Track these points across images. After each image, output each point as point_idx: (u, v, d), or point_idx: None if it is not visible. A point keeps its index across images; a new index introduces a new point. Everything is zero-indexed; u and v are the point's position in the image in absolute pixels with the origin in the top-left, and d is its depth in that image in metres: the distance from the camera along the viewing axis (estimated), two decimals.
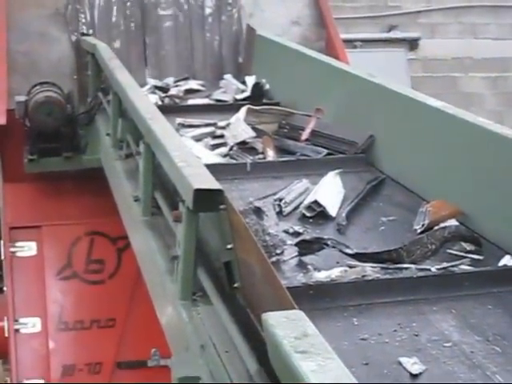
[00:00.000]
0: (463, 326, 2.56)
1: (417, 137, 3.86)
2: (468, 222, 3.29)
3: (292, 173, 4.02)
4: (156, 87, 5.82)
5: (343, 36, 6.76)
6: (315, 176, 3.88)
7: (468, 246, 3.13)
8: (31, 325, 5.58)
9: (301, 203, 3.61)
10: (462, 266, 2.97)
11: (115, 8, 6.07)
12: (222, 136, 4.69)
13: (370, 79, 4.38)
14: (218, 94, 5.82)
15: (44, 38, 5.85)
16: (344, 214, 3.50)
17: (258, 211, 3.35)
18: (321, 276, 2.86)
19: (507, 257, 3.01)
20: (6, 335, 5.60)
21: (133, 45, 6.10)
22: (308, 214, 3.53)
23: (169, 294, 2.95)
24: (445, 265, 2.97)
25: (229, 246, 2.53)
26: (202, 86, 5.98)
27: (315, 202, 3.54)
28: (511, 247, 3.07)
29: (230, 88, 5.86)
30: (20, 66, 5.71)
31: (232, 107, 5.23)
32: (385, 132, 4.18)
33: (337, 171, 3.89)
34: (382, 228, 3.44)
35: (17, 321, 5.56)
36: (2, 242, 5.88)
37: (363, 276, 2.85)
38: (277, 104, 5.23)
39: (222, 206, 2.52)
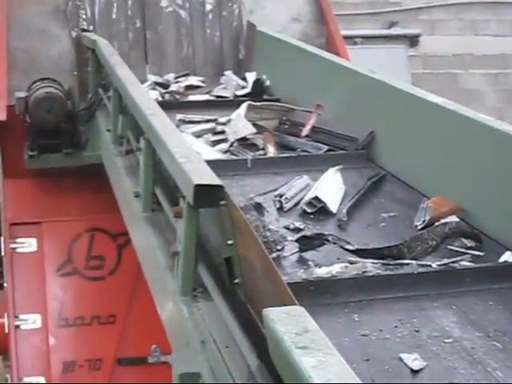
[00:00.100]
0: (464, 322, 2.56)
1: (417, 133, 3.86)
2: (468, 218, 3.29)
3: (292, 169, 4.02)
4: (156, 83, 5.82)
5: (344, 32, 6.76)
6: (316, 172, 3.88)
7: (469, 242, 3.12)
8: (31, 321, 5.58)
9: (301, 199, 3.61)
10: (463, 262, 2.98)
11: (116, 4, 6.06)
12: (222, 132, 4.69)
13: (371, 75, 4.38)
14: (218, 90, 5.82)
15: (44, 35, 5.85)
16: (345, 210, 3.49)
17: (259, 207, 3.35)
18: (321, 272, 2.86)
19: (508, 253, 3.00)
20: (7, 331, 5.60)
21: (133, 41, 6.09)
22: (309, 210, 3.53)
23: (169, 290, 2.95)
24: (445, 261, 2.97)
25: (229, 242, 2.53)
26: (203, 82, 5.98)
27: (316, 197, 3.54)
28: (511, 243, 3.08)
29: (231, 84, 5.86)
30: (20, 63, 5.71)
31: (232, 103, 5.23)
32: (385, 128, 4.17)
33: (337, 167, 3.89)
34: (383, 224, 3.44)
35: (17, 317, 5.56)
36: (2, 238, 5.88)
37: (364, 272, 2.85)
38: (277, 100, 5.23)
39: (222, 202, 2.52)
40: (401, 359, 2.32)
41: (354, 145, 4.26)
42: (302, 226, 3.35)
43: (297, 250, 3.08)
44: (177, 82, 5.88)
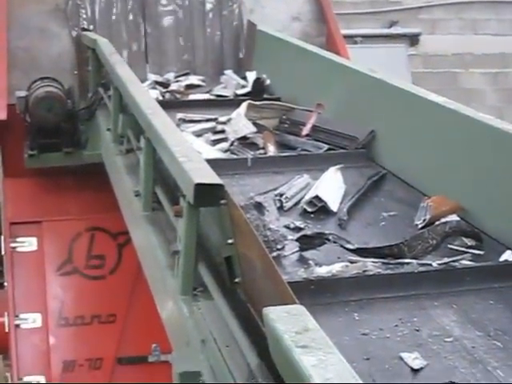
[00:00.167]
0: (464, 321, 2.56)
1: (418, 132, 3.86)
2: (469, 217, 3.29)
3: (293, 168, 4.02)
4: (157, 82, 5.82)
5: (344, 31, 6.75)
6: (316, 171, 3.88)
7: (469, 241, 3.12)
8: (32, 320, 5.58)
9: (302, 198, 3.61)
10: (463, 261, 2.97)
11: (116, 3, 6.06)
12: (222, 131, 4.69)
13: (371, 74, 4.38)
14: (218, 90, 5.82)
15: (44, 34, 5.85)
16: (345, 209, 3.49)
17: (259, 206, 3.35)
18: (322, 271, 2.86)
19: (508, 252, 3.00)
20: (7, 331, 5.60)
21: (134, 40, 6.09)
22: (309, 209, 3.53)
23: (169, 289, 2.95)
24: (446, 260, 2.97)
25: (229, 241, 2.53)
26: (203, 81, 5.98)
27: (316, 197, 3.53)
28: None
29: (231, 83, 5.86)
30: (20, 62, 5.71)
31: (233, 102, 5.22)
32: (386, 127, 4.17)
33: (338, 166, 3.89)
34: (383, 223, 3.44)
35: (17, 316, 5.56)
36: (2, 237, 5.88)
37: (364, 271, 2.85)
38: (277, 99, 5.23)
39: (222, 201, 2.52)
40: (401, 358, 2.32)
41: (355, 144, 4.26)
42: (302, 225, 3.35)
43: (297, 249, 3.08)
44: (177, 81, 5.88)
